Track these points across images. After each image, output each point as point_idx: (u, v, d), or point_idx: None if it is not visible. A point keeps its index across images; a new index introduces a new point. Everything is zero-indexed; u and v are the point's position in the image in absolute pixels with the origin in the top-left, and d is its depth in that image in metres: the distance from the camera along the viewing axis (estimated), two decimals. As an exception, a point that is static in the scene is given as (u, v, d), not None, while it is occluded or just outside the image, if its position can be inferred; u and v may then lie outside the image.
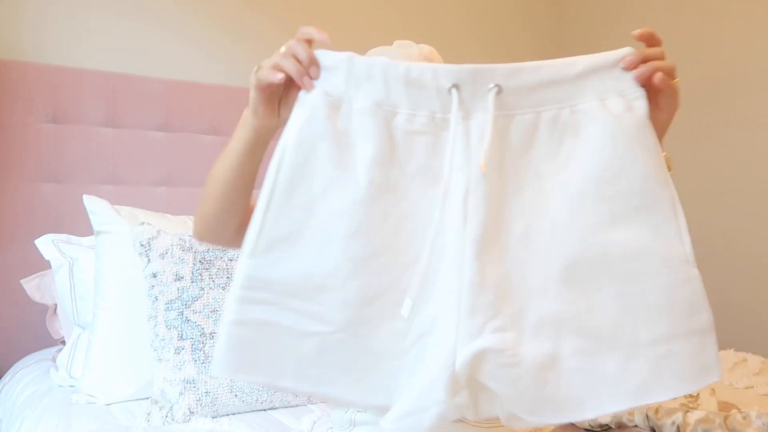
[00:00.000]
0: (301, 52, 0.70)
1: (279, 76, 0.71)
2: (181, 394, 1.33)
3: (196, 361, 1.35)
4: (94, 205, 1.59)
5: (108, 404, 1.41)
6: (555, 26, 3.36)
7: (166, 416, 1.31)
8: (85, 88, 1.98)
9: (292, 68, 0.70)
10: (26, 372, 1.68)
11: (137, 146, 2.06)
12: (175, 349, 1.35)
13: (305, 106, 0.70)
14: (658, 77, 0.72)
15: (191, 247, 1.44)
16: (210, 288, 1.40)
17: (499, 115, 0.68)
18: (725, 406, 1.32)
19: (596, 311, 0.67)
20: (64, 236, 1.74)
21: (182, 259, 1.41)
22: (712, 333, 0.70)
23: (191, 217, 1.80)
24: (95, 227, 1.57)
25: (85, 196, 1.60)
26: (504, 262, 0.68)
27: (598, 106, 0.69)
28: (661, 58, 0.72)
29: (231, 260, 1.46)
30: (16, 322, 1.88)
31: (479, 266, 0.66)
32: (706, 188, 2.67)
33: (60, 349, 1.70)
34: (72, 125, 1.96)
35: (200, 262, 1.42)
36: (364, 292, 0.68)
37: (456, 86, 0.67)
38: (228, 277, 1.43)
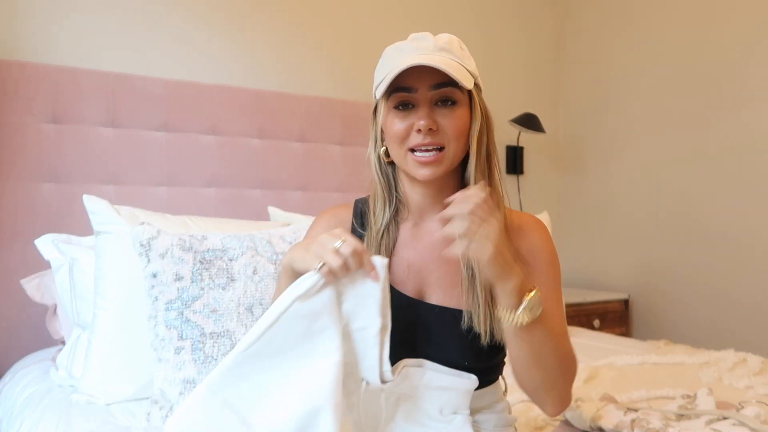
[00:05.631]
0: (353, 264, 0.84)
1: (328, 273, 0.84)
2: (181, 394, 1.32)
3: (196, 361, 1.35)
4: (94, 205, 1.58)
5: (108, 404, 1.41)
6: (556, 24, 3.36)
7: (166, 416, 1.30)
8: (85, 88, 1.98)
9: (337, 270, 0.84)
10: (26, 372, 1.67)
11: (137, 146, 2.06)
12: (175, 349, 1.35)
13: (325, 288, 0.85)
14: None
15: (191, 247, 1.43)
16: (210, 288, 1.40)
17: None
18: (724, 406, 1.32)
19: None
20: (64, 236, 1.74)
21: (182, 259, 1.41)
22: None
23: (191, 217, 1.80)
24: (95, 227, 1.57)
25: (85, 196, 1.60)
26: None
27: None
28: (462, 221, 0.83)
29: (231, 260, 1.45)
30: (16, 322, 1.88)
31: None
32: (705, 189, 2.67)
33: (60, 349, 1.70)
34: (72, 125, 1.96)
35: (200, 262, 1.42)
36: None
37: (367, 382, 0.89)
38: (228, 277, 1.42)
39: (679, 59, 2.76)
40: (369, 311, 0.86)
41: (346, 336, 0.87)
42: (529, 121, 2.84)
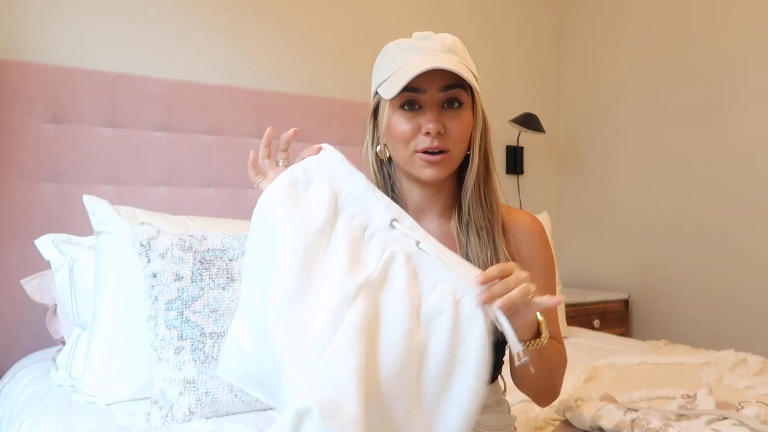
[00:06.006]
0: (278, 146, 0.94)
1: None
2: (181, 394, 1.33)
3: (196, 361, 1.35)
4: (94, 205, 1.59)
5: (108, 404, 1.41)
6: (556, 24, 3.36)
7: (166, 416, 1.30)
8: (85, 88, 1.98)
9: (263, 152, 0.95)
10: (26, 372, 1.68)
11: (137, 146, 2.06)
12: (175, 349, 1.35)
13: (283, 176, 0.88)
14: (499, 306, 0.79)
15: (191, 247, 1.43)
16: (210, 288, 1.40)
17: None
18: (724, 406, 1.32)
19: None
20: (64, 236, 1.74)
21: (182, 259, 1.41)
22: None
23: (191, 217, 1.80)
24: (95, 227, 1.57)
25: (85, 196, 1.60)
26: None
27: (453, 303, 0.81)
28: (504, 292, 0.78)
29: (231, 260, 1.45)
30: (16, 322, 1.88)
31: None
32: (706, 189, 2.67)
33: (60, 349, 1.70)
34: (72, 125, 1.96)
35: (200, 262, 1.42)
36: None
37: (397, 220, 0.84)
38: (228, 277, 1.43)
39: (678, 60, 2.76)
40: (347, 171, 0.86)
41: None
42: (529, 121, 2.84)
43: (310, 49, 2.53)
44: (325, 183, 0.85)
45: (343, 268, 0.80)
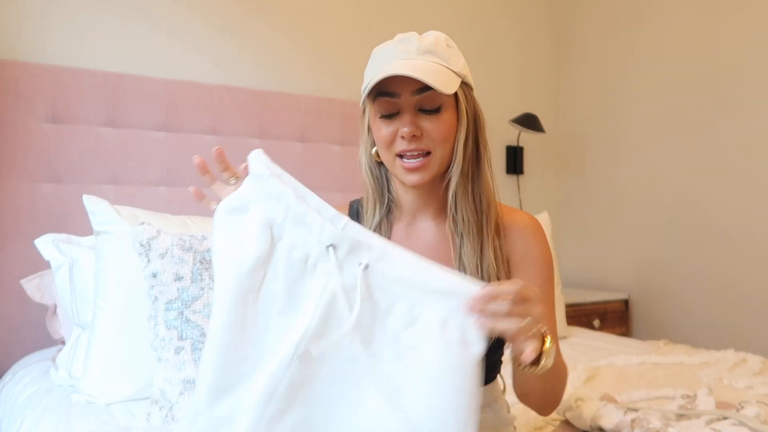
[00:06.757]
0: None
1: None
2: (181, 394, 1.33)
3: (196, 361, 1.35)
4: (94, 205, 1.59)
5: (108, 404, 1.41)
6: (556, 24, 3.36)
7: (166, 416, 1.30)
8: (85, 88, 1.98)
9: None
10: (26, 372, 1.68)
11: (137, 146, 2.06)
12: (175, 349, 1.35)
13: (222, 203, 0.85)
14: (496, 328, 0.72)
15: (191, 247, 1.43)
16: (210, 288, 1.40)
17: (362, 290, 0.75)
18: (724, 406, 1.32)
19: None
20: (64, 236, 1.74)
21: (182, 259, 1.41)
22: None
23: (191, 217, 1.80)
24: (95, 227, 1.57)
25: (85, 196, 1.60)
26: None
27: (439, 328, 0.73)
28: (502, 314, 0.71)
29: (231, 260, 1.45)
30: (16, 322, 1.88)
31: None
32: (705, 189, 2.67)
33: (60, 349, 1.70)
34: (72, 125, 1.96)
35: (200, 262, 1.42)
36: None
37: (333, 246, 0.76)
38: (228, 277, 1.42)
39: (679, 58, 2.76)
40: (276, 191, 0.79)
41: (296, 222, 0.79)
42: (529, 121, 2.84)
43: (310, 50, 2.53)
44: (260, 210, 0.79)
45: (282, 317, 0.76)
